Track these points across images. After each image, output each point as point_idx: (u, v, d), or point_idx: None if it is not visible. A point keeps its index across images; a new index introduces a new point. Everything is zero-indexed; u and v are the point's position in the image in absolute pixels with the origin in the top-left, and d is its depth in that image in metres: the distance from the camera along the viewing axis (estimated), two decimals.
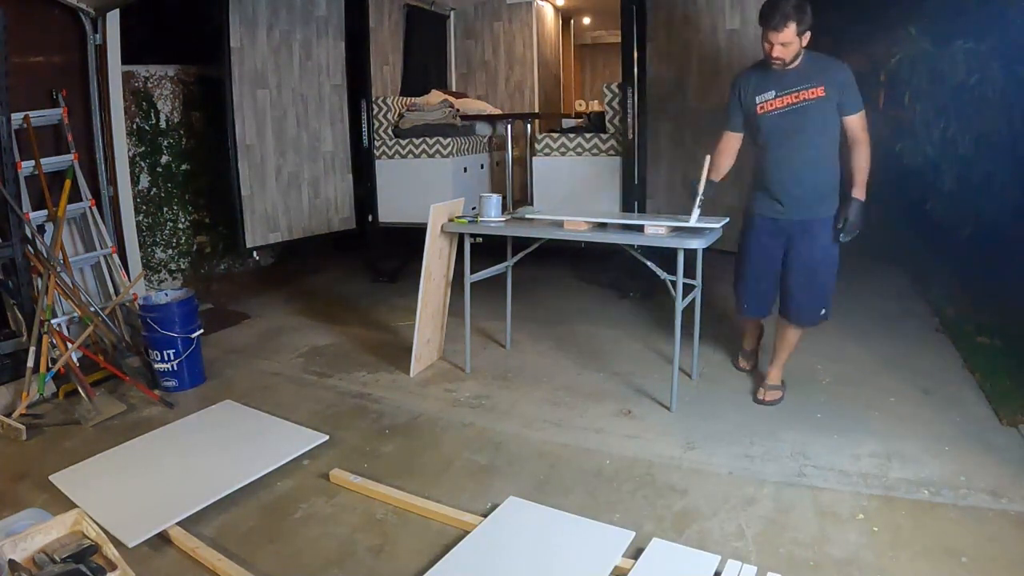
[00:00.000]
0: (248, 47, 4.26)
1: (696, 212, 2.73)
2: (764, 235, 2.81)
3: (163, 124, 4.75)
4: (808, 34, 2.53)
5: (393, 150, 4.97)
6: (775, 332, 2.98)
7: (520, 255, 3.36)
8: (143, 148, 4.63)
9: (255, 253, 5.21)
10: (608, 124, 4.35)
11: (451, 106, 5.07)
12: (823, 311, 2.82)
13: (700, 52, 3.96)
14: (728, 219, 2.84)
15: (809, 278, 2.77)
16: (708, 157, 2.73)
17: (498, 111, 5.81)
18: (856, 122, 2.62)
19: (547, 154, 4.55)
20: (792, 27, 2.47)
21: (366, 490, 2.31)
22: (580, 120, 5.38)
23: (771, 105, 2.65)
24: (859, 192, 2.63)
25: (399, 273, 5.22)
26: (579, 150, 4.45)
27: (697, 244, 2.65)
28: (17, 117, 3.28)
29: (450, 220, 3.23)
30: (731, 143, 2.83)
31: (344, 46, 4.88)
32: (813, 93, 2.59)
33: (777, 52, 2.52)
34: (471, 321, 3.34)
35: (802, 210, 2.70)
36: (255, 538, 2.09)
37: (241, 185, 4.30)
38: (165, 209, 4.81)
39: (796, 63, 2.59)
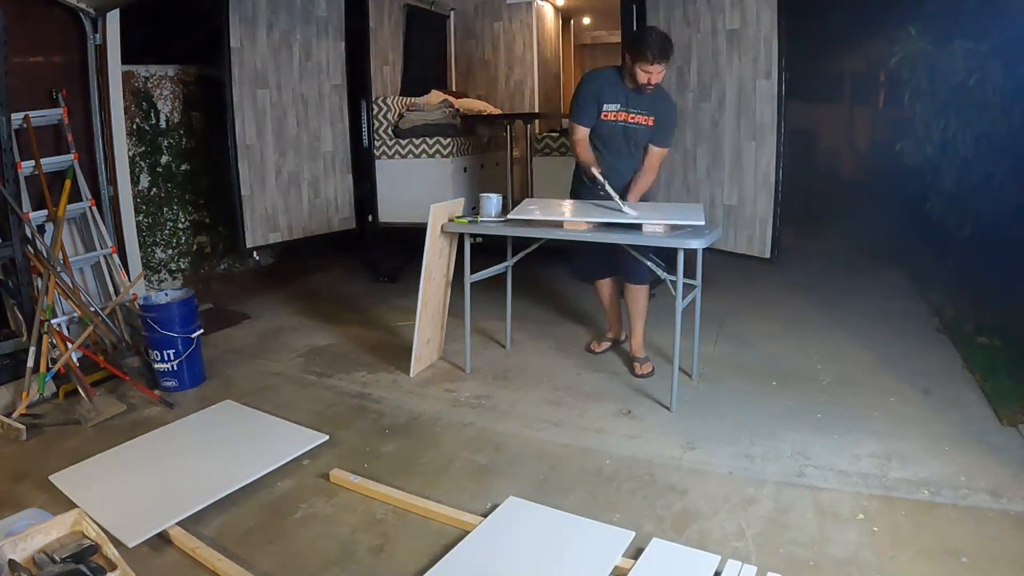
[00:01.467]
0: (248, 47, 4.26)
1: (621, 202, 2.94)
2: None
3: (163, 124, 4.75)
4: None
5: (393, 150, 4.97)
6: (627, 303, 3.29)
7: (520, 255, 3.36)
8: (143, 148, 4.63)
9: (255, 253, 5.22)
10: None
11: (451, 106, 5.07)
12: (644, 268, 2.99)
13: (700, 52, 3.96)
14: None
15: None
16: (593, 169, 3.00)
17: (498, 111, 5.81)
18: (657, 155, 3.09)
19: (547, 154, 4.55)
20: (667, 62, 2.88)
21: (366, 490, 2.30)
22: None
23: (614, 116, 3.05)
24: (632, 197, 3.08)
25: (399, 273, 5.22)
26: None
27: (697, 244, 2.65)
28: (17, 117, 3.28)
29: (450, 220, 3.23)
30: (585, 135, 3.11)
31: (344, 46, 4.87)
32: (646, 121, 3.03)
33: (654, 79, 2.90)
34: (471, 321, 3.34)
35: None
36: (255, 538, 2.09)
37: (241, 185, 4.30)
38: (165, 209, 4.81)
39: (649, 90, 2.97)
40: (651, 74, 2.87)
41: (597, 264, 3.33)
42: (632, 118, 3.03)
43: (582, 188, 3.21)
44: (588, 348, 3.55)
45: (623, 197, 3.00)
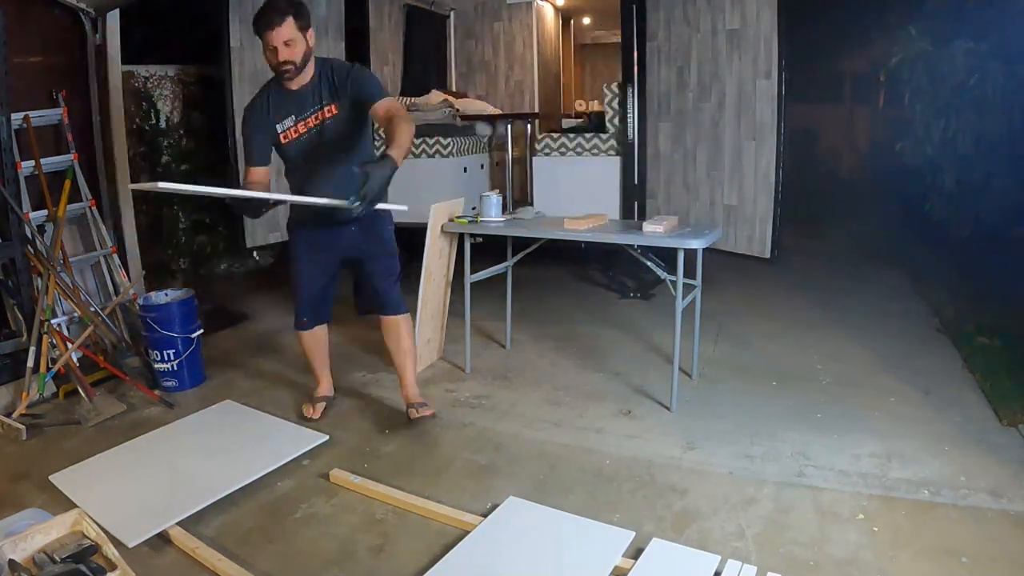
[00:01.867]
0: (248, 47, 4.26)
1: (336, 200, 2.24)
2: (312, 253, 2.67)
3: (163, 124, 4.75)
4: (312, 32, 2.37)
5: None
6: (387, 343, 2.78)
7: (520, 255, 3.36)
8: (143, 148, 4.63)
9: (255, 253, 5.21)
10: (608, 124, 4.35)
11: (451, 106, 5.07)
12: (397, 293, 2.73)
13: (700, 52, 3.96)
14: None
15: (386, 268, 2.70)
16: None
17: (498, 111, 5.81)
18: (384, 106, 2.35)
19: (547, 154, 4.55)
20: (290, 22, 2.27)
21: (366, 490, 2.30)
22: (580, 120, 5.39)
23: (294, 132, 2.46)
24: (394, 149, 2.19)
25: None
26: (579, 150, 4.45)
27: (697, 244, 2.66)
28: (17, 117, 3.28)
29: (450, 220, 3.23)
30: (259, 177, 2.50)
31: (344, 46, 4.87)
32: (329, 112, 2.43)
33: (283, 55, 2.31)
34: (471, 321, 3.34)
35: (344, 214, 2.36)
36: (255, 538, 2.09)
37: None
38: (165, 209, 4.81)
39: (309, 77, 2.41)
40: (276, 48, 2.31)
41: (327, 300, 2.79)
42: (315, 120, 2.45)
43: (297, 222, 2.72)
44: (303, 415, 2.86)
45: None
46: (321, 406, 2.89)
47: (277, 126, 2.46)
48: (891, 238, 5.99)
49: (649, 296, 4.45)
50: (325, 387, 2.97)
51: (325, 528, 2.13)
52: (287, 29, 2.28)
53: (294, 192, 2.60)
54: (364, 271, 2.71)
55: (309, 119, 2.45)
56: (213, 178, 4.89)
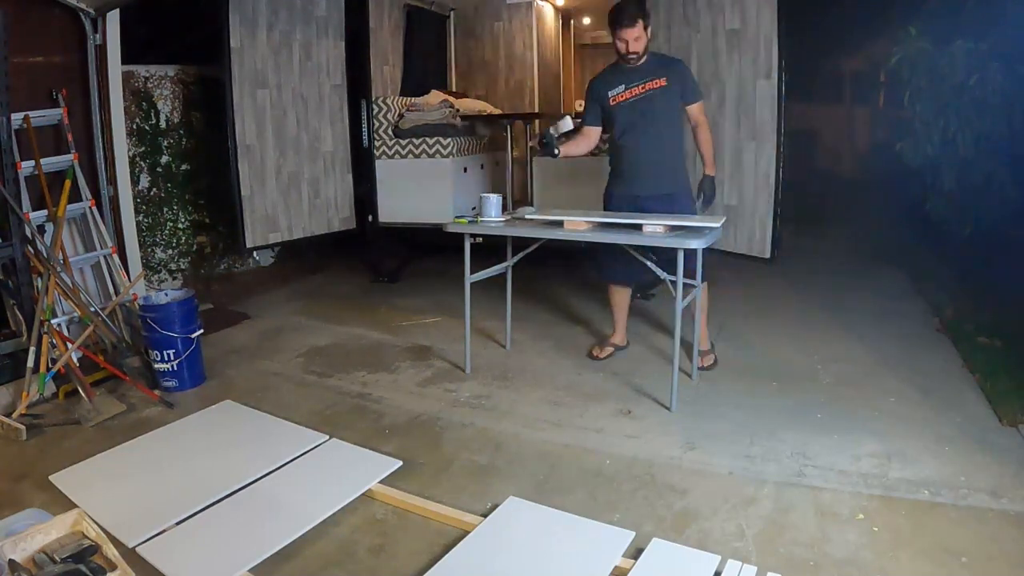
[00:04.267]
0: (248, 47, 4.26)
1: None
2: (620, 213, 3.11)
3: (163, 124, 4.75)
4: (650, 30, 2.99)
5: (393, 150, 4.97)
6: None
7: (520, 255, 3.36)
8: (143, 148, 4.63)
9: (255, 253, 5.22)
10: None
11: (451, 106, 5.06)
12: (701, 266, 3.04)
13: (700, 52, 3.96)
14: (725, 218, 2.91)
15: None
16: (567, 116, 3.17)
17: (498, 111, 5.81)
18: (697, 109, 3.09)
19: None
20: (640, 24, 2.91)
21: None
22: (580, 120, 5.38)
23: (622, 97, 3.07)
24: (710, 168, 3.13)
25: (399, 273, 5.22)
26: None
27: (697, 244, 2.65)
28: (17, 117, 3.28)
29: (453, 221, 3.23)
30: (591, 135, 3.24)
31: (344, 46, 4.87)
32: (657, 83, 3.02)
33: (632, 47, 2.95)
34: (471, 321, 3.33)
35: (653, 186, 3.10)
36: None
37: (241, 185, 4.29)
38: (165, 209, 4.81)
39: (642, 61, 3.02)
40: (627, 41, 2.93)
41: (621, 269, 3.24)
42: (641, 88, 3.03)
43: (612, 185, 3.25)
44: (590, 354, 3.46)
45: (705, 165, 3.12)
46: (609, 350, 3.43)
47: (610, 92, 3.08)
48: (891, 238, 5.99)
49: (649, 296, 4.45)
50: (619, 337, 3.49)
51: (325, 528, 2.12)
52: (637, 30, 2.92)
53: (613, 155, 3.23)
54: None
55: (636, 87, 3.04)
56: (213, 178, 4.91)
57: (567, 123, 3.12)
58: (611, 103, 3.09)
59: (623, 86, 3.06)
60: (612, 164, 3.26)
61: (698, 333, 3.20)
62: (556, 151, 3.09)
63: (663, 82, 3.02)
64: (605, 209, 3.23)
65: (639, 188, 3.13)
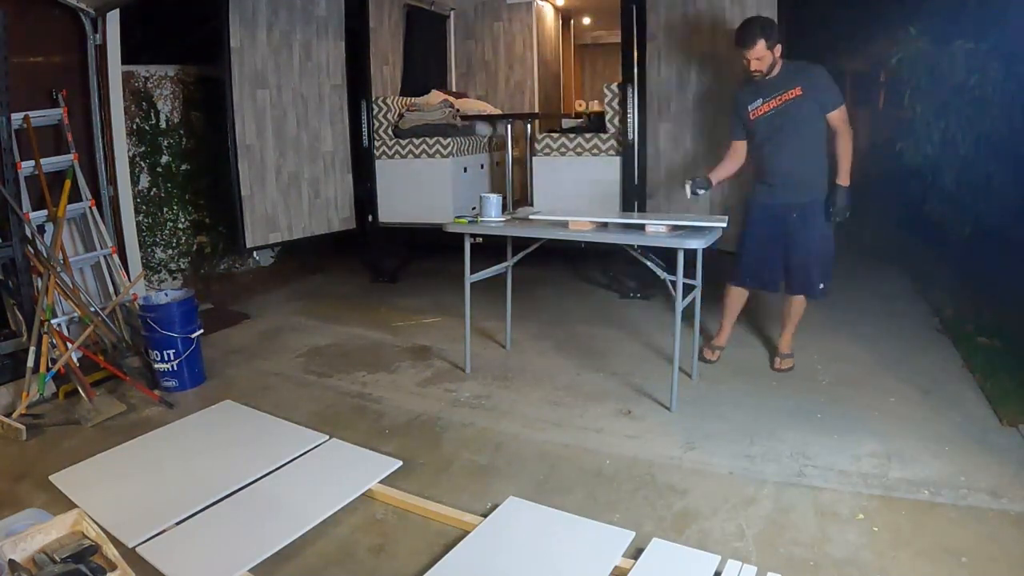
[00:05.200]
0: (248, 47, 4.26)
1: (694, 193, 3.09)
2: (763, 221, 3.16)
3: (163, 124, 4.75)
4: (779, 47, 2.96)
5: (393, 150, 4.97)
6: (783, 308, 3.31)
7: (520, 255, 3.36)
8: (143, 148, 4.63)
9: (255, 253, 5.21)
10: (608, 124, 4.35)
11: (451, 106, 5.07)
12: (822, 285, 3.16)
13: (700, 52, 3.96)
14: (727, 217, 2.92)
15: (807, 255, 3.12)
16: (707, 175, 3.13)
17: (498, 111, 5.81)
18: (836, 116, 3.03)
19: (547, 154, 4.55)
20: (761, 43, 2.91)
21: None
22: (580, 120, 5.38)
23: (760, 111, 3.07)
24: (844, 179, 3.08)
25: (399, 273, 5.22)
26: (579, 150, 4.45)
27: (697, 244, 2.66)
28: (17, 117, 3.28)
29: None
30: (735, 146, 3.21)
31: (344, 46, 4.87)
32: (792, 94, 3.00)
33: (754, 66, 2.97)
34: (471, 321, 3.33)
35: (795, 195, 3.09)
36: None
37: (241, 185, 4.29)
38: (165, 209, 4.81)
39: (775, 72, 3.01)
40: (748, 60, 2.96)
41: (765, 270, 3.24)
42: (778, 101, 3.02)
43: (754, 193, 3.22)
44: (701, 356, 3.35)
45: (837, 174, 3.10)
46: (719, 352, 3.41)
47: (749, 107, 3.09)
48: (891, 238, 5.99)
49: (649, 296, 4.45)
50: (724, 338, 3.44)
51: (325, 528, 2.12)
52: (758, 49, 2.93)
53: (757, 168, 3.21)
54: (787, 245, 3.14)
55: (772, 100, 3.04)
56: (213, 178, 4.91)
57: (701, 185, 3.08)
58: (751, 117, 3.09)
59: (760, 100, 3.06)
60: (755, 174, 3.24)
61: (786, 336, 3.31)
62: (708, 186, 3.08)
63: (798, 91, 2.98)
64: (747, 219, 3.23)
65: (779, 197, 3.11)
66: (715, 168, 3.17)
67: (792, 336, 3.31)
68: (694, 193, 3.07)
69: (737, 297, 3.37)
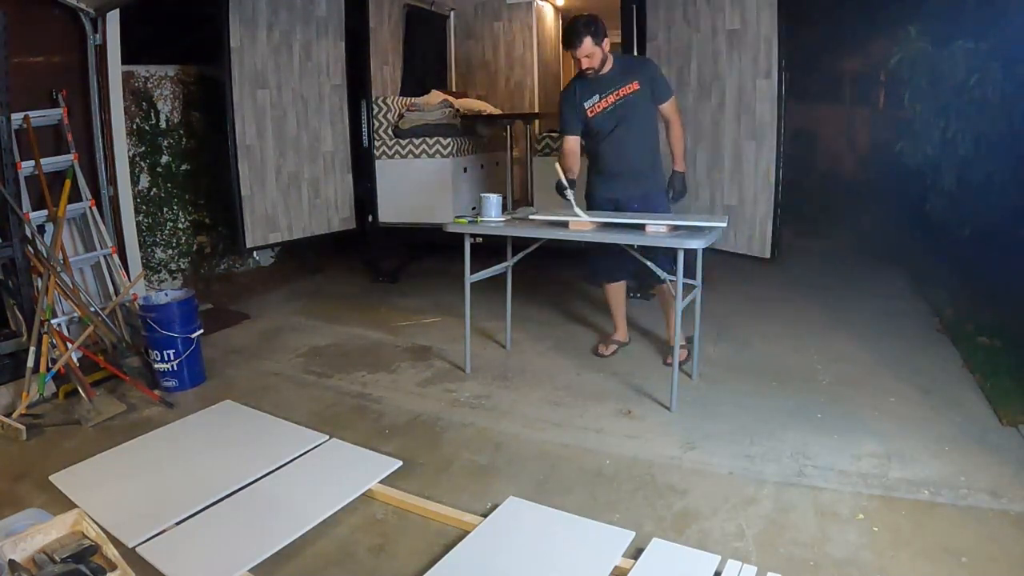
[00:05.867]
0: (248, 47, 4.26)
1: (576, 208, 3.02)
2: (606, 215, 3.11)
3: (163, 124, 4.75)
4: (607, 41, 3.02)
5: (393, 150, 4.97)
6: (659, 301, 3.45)
7: (520, 255, 3.36)
8: (143, 148, 4.62)
9: (255, 253, 5.21)
10: None
11: (451, 106, 5.07)
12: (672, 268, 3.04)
13: (700, 52, 3.96)
14: (727, 217, 2.93)
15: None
16: (557, 164, 3.07)
17: (498, 111, 5.81)
18: (669, 107, 3.14)
19: (547, 154, 4.54)
20: (588, 41, 2.96)
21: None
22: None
23: (599, 107, 3.11)
24: (680, 165, 3.19)
25: (399, 273, 5.22)
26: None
27: (697, 244, 2.66)
28: (17, 117, 3.28)
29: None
30: (573, 145, 3.21)
31: (344, 46, 4.87)
32: (630, 88, 3.07)
33: (585, 64, 3.01)
34: (471, 321, 3.33)
35: (635, 186, 3.18)
36: None
37: (241, 185, 4.30)
38: (165, 209, 4.81)
39: (607, 68, 3.06)
40: (579, 60, 3.01)
41: (611, 266, 3.35)
42: (615, 96, 3.08)
43: (594, 186, 3.28)
44: (595, 351, 3.51)
45: (674, 160, 3.18)
46: (614, 347, 3.48)
47: (585, 104, 3.11)
48: (891, 238, 5.99)
49: (649, 296, 4.45)
50: (622, 334, 3.54)
51: (325, 528, 2.12)
52: (586, 47, 2.97)
53: (593, 161, 3.27)
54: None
55: (610, 96, 3.08)
56: (213, 178, 4.91)
57: (563, 187, 3.03)
58: (589, 114, 3.13)
59: (597, 96, 3.10)
60: (591, 169, 3.31)
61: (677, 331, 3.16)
62: (573, 186, 3.05)
63: (636, 86, 3.06)
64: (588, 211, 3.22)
65: (619, 190, 3.20)
66: (569, 167, 3.12)
67: (676, 326, 3.00)
68: (565, 198, 3.02)
69: (615, 292, 3.45)
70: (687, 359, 3.24)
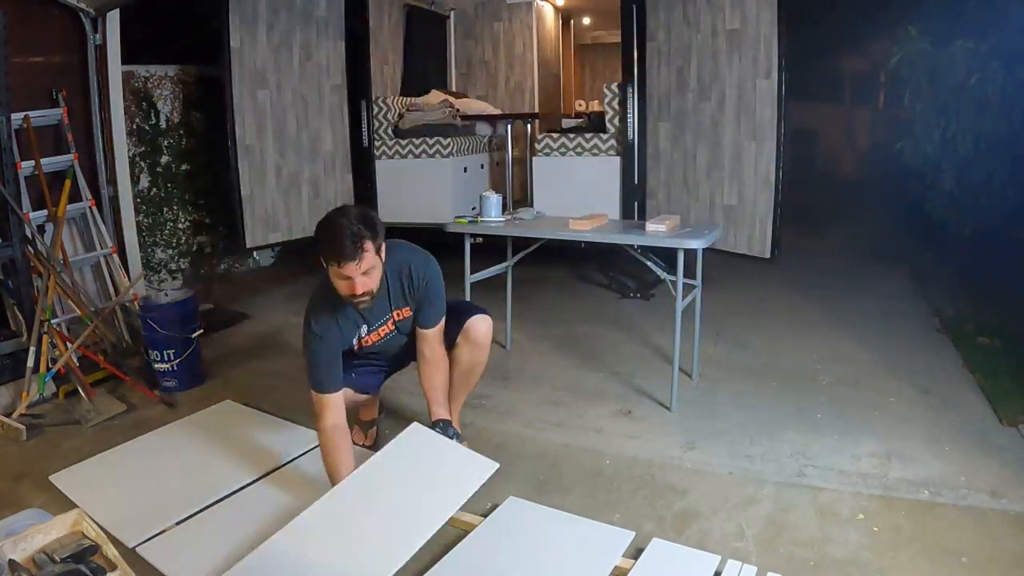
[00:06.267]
0: (248, 47, 4.26)
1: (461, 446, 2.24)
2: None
3: (163, 124, 4.75)
4: (383, 246, 2.04)
5: (393, 150, 4.97)
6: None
7: (520, 255, 3.36)
8: (143, 148, 4.63)
9: (255, 253, 5.21)
10: (608, 124, 4.35)
11: (451, 106, 5.07)
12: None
13: (700, 52, 3.96)
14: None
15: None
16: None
17: (498, 111, 5.81)
18: (433, 337, 2.25)
19: (547, 154, 4.55)
20: (370, 247, 1.95)
21: None
22: (580, 120, 5.39)
23: (369, 340, 2.26)
24: (443, 411, 2.27)
25: None
26: (579, 150, 4.45)
27: (697, 244, 2.66)
28: (17, 117, 3.28)
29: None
30: (338, 402, 2.15)
31: (344, 46, 4.87)
32: (404, 313, 2.25)
33: (361, 286, 1.97)
34: None
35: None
36: None
37: (241, 185, 4.29)
38: (165, 209, 4.81)
39: (379, 287, 2.08)
40: (354, 279, 1.95)
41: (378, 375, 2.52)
42: (391, 326, 2.26)
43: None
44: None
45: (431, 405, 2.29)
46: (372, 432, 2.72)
47: (352, 340, 2.23)
48: (891, 238, 5.99)
49: (649, 296, 4.46)
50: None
51: None
52: (368, 257, 1.95)
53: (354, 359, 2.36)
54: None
55: (384, 326, 2.25)
56: (213, 178, 4.91)
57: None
58: (356, 348, 2.26)
59: (366, 327, 2.22)
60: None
61: None
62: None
63: (408, 311, 2.24)
64: None
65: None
66: (337, 465, 2.11)
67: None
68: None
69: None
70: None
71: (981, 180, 4.11)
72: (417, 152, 4.90)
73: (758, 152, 3.74)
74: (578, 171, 4.44)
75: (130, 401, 3.09)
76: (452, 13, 6.31)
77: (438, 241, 4.46)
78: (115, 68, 3.82)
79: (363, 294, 1.99)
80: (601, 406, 2.92)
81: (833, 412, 2.78)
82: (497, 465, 2.15)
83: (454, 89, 6.15)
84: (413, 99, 5.21)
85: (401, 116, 5.00)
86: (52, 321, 3.11)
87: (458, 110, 5.13)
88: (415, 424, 2.22)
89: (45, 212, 3.39)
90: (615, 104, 4.28)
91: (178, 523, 2.11)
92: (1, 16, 3.03)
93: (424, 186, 4.86)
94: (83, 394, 2.99)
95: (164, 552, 1.98)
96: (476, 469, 2.12)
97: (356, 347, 2.25)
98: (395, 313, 2.24)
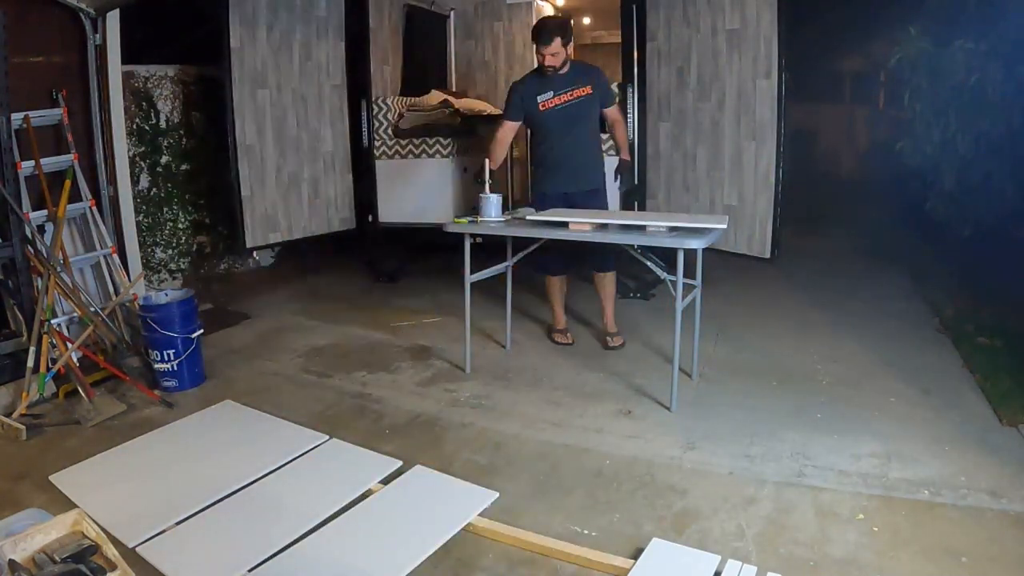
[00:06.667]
0: (248, 47, 4.26)
1: (487, 188, 3.17)
2: (555, 208, 3.30)
3: (163, 124, 4.75)
4: (571, 46, 3.25)
5: (393, 150, 4.97)
6: (596, 289, 3.60)
7: (520, 255, 3.36)
8: (143, 148, 4.63)
9: (255, 253, 5.21)
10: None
11: (451, 106, 5.07)
12: (613, 256, 3.51)
13: (700, 52, 3.96)
14: (727, 217, 2.90)
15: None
16: (486, 160, 3.25)
17: (498, 111, 5.80)
18: (614, 111, 3.46)
19: None
20: (558, 41, 3.16)
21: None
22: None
23: (551, 103, 3.31)
24: (625, 155, 3.50)
25: (399, 273, 5.22)
26: None
27: (697, 244, 2.65)
28: (17, 117, 3.28)
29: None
30: (509, 133, 3.42)
31: (344, 46, 4.87)
32: (584, 91, 3.31)
33: (549, 61, 3.21)
34: (471, 321, 3.33)
35: (583, 182, 3.43)
36: None
37: (241, 185, 4.29)
38: (165, 209, 4.81)
39: (565, 69, 3.27)
40: (544, 56, 3.20)
41: (564, 260, 3.54)
42: (571, 95, 3.30)
43: (543, 181, 3.50)
44: (554, 340, 3.69)
45: (620, 151, 3.47)
46: (571, 335, 3.71)
47: (538, 98, 3.31)
48: (891, 238, 5.99)
49: (649, 296, 4.46)
50: (563, 320, 3.73)
51: None
52: (555, 46, 3.18)
53: (543, 156, 3.47)
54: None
55: (564, 95, 3.31)
56: (213, 178, 4.91)
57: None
58: (540, 108, 3.31)
59: (551, 92, 3.29)
60: (539, 164, 3.52)
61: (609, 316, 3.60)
62: (488, 181, 3.20)
63: (589, 90, 3.30)
64: (537, 206, 3.39)
65: (571, 185, 3.41)
66: (496, 158, 3.35)
67: (614, 312, 3.60)
68: (479, 184, 3.24)
69: (558, 285, 3.63)
70: (623, 344, 3.54)
71: (981, 180, 4.10)
72: (417, 152, 4.89)
73: (758, 152, 3.74)
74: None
75: (130, 401, 3.09)
76: (452, 13, 6.29)
77: (438, 241, 4.49)
78: (115, 68, 3.81)
79: (549, 65, 3.22)
80: (601, 406, 2.93)
81: (833, 412, 2.78)
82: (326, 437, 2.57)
83: (454, 89, 6.15)
84: (413, 99, 5.20)
85: (401, 116, 4.99)
86: (52, 321, 3.11)
87: (458, 110, 5.13)
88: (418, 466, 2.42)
89: (45, 212, 3.39)
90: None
91: (178, 523, 2.11)
92: (1, 16, 3.03)
93: (424, 186, 4.86)
94: (83, 394, 2.99)
95: (164, 552, 1.98)
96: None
97: (541, 107, 3.31)
98: (576, 90, 3.30)
